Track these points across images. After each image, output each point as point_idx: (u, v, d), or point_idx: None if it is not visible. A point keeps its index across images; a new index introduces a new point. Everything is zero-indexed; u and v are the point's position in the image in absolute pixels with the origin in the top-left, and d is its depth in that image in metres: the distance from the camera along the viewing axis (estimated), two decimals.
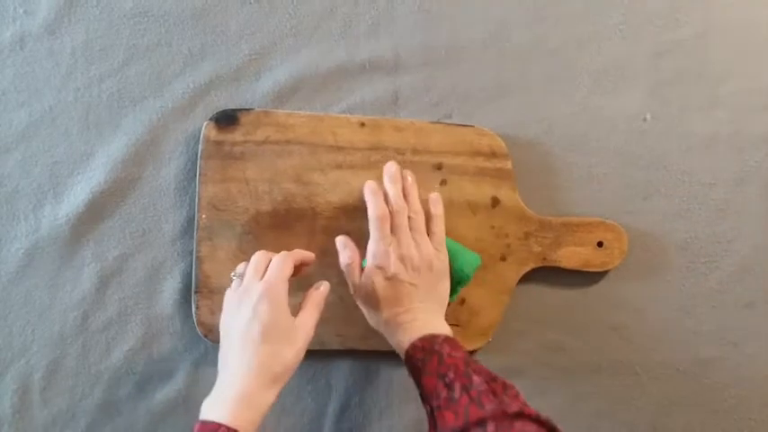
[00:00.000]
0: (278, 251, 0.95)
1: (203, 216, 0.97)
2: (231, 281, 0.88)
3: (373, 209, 0.91)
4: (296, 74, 1.02)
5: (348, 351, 1.01)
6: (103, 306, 0.99)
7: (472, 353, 1.04)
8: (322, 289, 0.89)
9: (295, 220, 0.98)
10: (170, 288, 1.00)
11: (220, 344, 0.85)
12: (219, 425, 0.75)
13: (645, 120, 1.09)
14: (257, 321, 0.81)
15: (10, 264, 0.97)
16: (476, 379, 0.78)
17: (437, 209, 0.95)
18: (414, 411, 1.04)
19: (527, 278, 1.04)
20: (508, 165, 1.02)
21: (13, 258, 0.97)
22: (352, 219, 0.99)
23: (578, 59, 1.09)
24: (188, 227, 0.99)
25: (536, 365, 1.07)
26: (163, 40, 1.00)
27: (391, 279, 0.89)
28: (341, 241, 0.94)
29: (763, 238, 1.12)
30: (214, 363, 0.98)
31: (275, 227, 0.98)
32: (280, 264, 0.85)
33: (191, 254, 0.98)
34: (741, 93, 1.12)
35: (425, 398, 0.82)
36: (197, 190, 0.97)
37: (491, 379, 0.79)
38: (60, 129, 0.98)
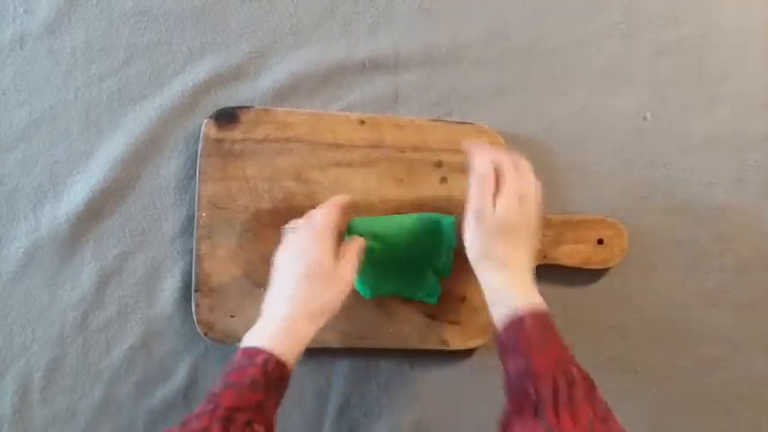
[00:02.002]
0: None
1: (203, 214, 0.97)
2: (284, 232, 0.90)
3: (478, 165, 0.86)
4: (296, 72, 1.02)
5: (348, 350, 1.01)
6: (103, 305, 0.99)
7: (472, 351, 1.04)
8: (359, 241, 0.90)
9: (295, 217, 0.97)
10: (170, 287, 1.00)
11: (270, 281, 0.86)
12: (260, 350, 0.77)
13: (645, 119, 1.10)
14: (303, 260, 0.84)
15: (10, 263, 0.97)
16: (598, 392, 0.75)
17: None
18: (414, 410, 1.04)
19: None
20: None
21: (12, 258, 0.97)
22: (352, 216, 0.99)
23: (578, 59, 1.09)
24: (188, 225, 0.99)
25: None
26: (163, 39, 1.00)
27: (526, 215, 0.84)
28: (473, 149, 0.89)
29: (763, 238, 1.12)
30: (214, 361, 1.00)
31: (275, 225, 0.98)
32: (325, 211, 0.88)
33: (190, 252, 0.98)
34: (741, 92, 1.12)
35: (530, 376, 0.75)
36: (197, 188, 0.97)
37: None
38: (60, 128, 0.98)
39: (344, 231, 0.94)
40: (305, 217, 0.89)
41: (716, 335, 1.11)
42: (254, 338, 0.80)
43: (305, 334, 0.81)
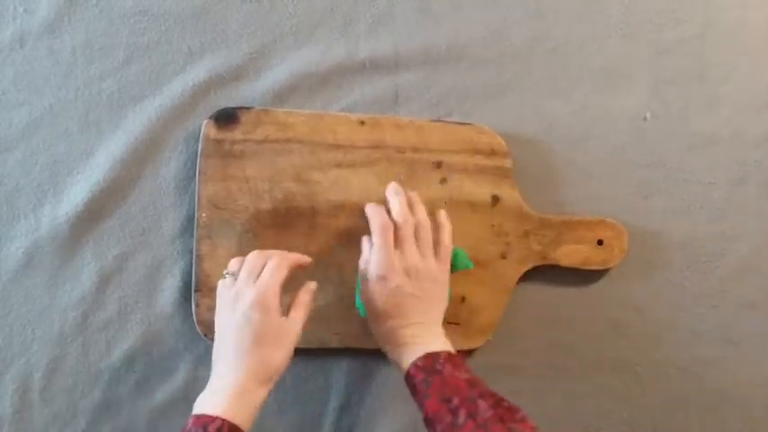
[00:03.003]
0: (278, 250, 0.95)
1: (203, 215, 0.97)
2: (224, 277, 0.88)
3: (377, 219, 0.90)
4: (296, 72, 1.02)
5: (347, 350, 1.01)
6: (103, 305, 0.99)
7: (472, 351, 1.04)
8: (311, 287, 0.89)
9: (295, 218, 0.98)
10: (170, 287, 1.00)
11: (215, 339, 0.86)
12: (215, 417, 0.77)
13: (645, 119, 1.09)
14: (249, 328, 0.82)
15: (10, 263, 0.97)
16: (481, 404, 0.78)
17: (445, 221, 0.94)
18: (414, 410, 1.04)
19: (527, 276, 1.04)
20: (508, 163, 1.02)
21: (12, 258, 0.97)
22: (352, 217, 0.99)
23: (578, 59, 1.09)
24: (188, 225, 0.99)
25: (536, 364, 1.07)
26: (163, 39, 1.00)
27: (394, 290, 0.88)
28: (365, 241, 0.93)
29: (763, 238, 1.12)
30: None
31: (275, 225, 0.98)
32: (273, 270, 0.85)
33: (190, 252, 0.98)
34: (741, 92, 1.12)
35: (429, 422, 0.82)
36: (197, 188, 0.97)
37: (497, 403, 0.78)
38: (60, 128, 0.98)
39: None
40: (245, 268, 0.86)
41: (716, 335, 1.11)
42: (206, 405, 0.79)
43: (257, 397, 0.81)
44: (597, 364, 1.08)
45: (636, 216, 1.08)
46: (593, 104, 1.09)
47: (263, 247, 0.95)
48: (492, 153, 1.02)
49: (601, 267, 1.05)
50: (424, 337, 0.88)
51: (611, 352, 1.08)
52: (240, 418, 0.78)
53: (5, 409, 0.97)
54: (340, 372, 1.03)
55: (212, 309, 0.95)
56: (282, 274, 0.85)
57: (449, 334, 1.01)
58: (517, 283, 1.03)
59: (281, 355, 0.83)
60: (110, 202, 0.98)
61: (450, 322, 1.01)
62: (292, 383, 1.01)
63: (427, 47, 1.05)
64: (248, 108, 0.98)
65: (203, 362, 1.00)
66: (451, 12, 1.06)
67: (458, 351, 1.03)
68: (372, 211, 0.91)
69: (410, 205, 0.93)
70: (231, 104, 1.00)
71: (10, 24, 0.98)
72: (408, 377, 0.85)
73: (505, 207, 1.02)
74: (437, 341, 0.88)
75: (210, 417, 0.77)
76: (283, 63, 1.02)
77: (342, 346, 1.00)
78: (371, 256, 0.89)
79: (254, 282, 0.84)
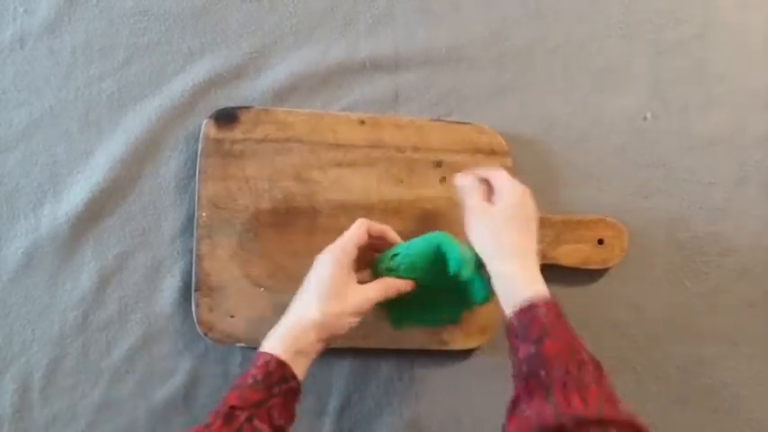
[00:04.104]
0: (278, 250, 0.96)
1: (203, 214, 0.97)
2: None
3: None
4: (296, 72, 1.02)
5: (349, 349, 1.01)
6: (103, 305, 0.99)
7: (472, 351, 1.04)
8: (401, 282, 0.88)
9: (295, 217, 0.98)
10: (170, 286, 1.00)
11: None
12: (264, 353, 0.80)
13: (645, 119, 1.10)
14: (314, 272, 0.85)
15: (10, 263, 0.97)
16: (604, 372, 0.76)
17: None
18: (414, 410, 1.04)
19: None
20: (508, 162, 1.02)
21: (12, 257, 0.97)
22: (353, 216, 0.98)
23: (578, 59, 1.09)
24: (188, 225, 0.99)
25: None
26: (163, 39, 1.00)
27: (524, 201, 0.87)
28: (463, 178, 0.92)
29: (763, 238, 1.12)
30: (214, 361, 1.00)
31: (275, 225, 0.98)
32: (352, 230, 0.87)
33: (190, 252, 0.98)
34: (741, 92, 1.12)
35: (541, 361, 0.76)
36: (197, 188, 0.97)
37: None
38: (60, 128, 0.98)
39: (378, 260, 0.91)
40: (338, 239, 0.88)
41: (716, 335, 1.11)
42: (264, 343, 0.82)
43: (300, 341, 0.82)
44: None
45: (636, 216, 1.08)
46: (593, 104, 1.09)
47: (263, 246, 0.96)
48: (492, 153, 1.02)
49: (601, 267, 1.05)
50: (538, 273, 0.85)
51: (611, 351, 1.08)
52: (289, 353, 0.80)
53: (5, 409, 0.97)
54: (340, 372, 1.03)
55: (212, 309, 0.96)
56: (360, 234, 0.87)
57: (449, 334, 1.02)
58: None
59: (338, 310, 0.83)
60: (110, 202, 0.98)
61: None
62: None
63: (427, 47, 1.05)
64: (248, 107, 0.98)
65: (203, 362, 1.00)
66: (451, 12, 1.06)
67: (458, 351, 1.04)
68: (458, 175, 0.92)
69: None
70: (231, 104, 1.00)
71: (10, 24, 0.98)
72: (531, 306, 0.80)
73: None
74: (541, 282, 0.85)
75: (262, 352, 0.80)
76: (283, 63, 1.02)
77: (343, 345, 1.00)
78: (502, 180, 0.88)
79: None
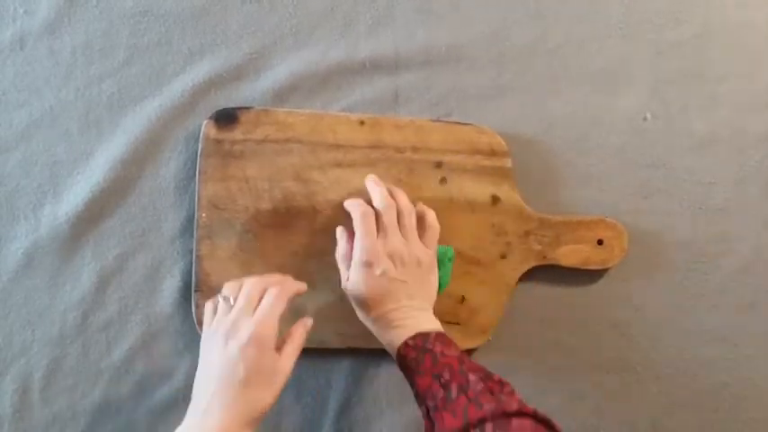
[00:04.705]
0: (278, 250, 0.95)
1: (203, 215, 0.97)
2: (217, 302, 0.85)
3: (357, 208, 0.91)
4: (296, 72, 1.02)
5: (348, 349, 1.01)
6: (103, 305, 0.99)
7: (472, 351, 1.04)
8: (307, 324, 0.87)
9: (295, 218, 0.98)
10: (170, 287, 1.00)
11: (198, 369, 0.82)
12: None
13: (645, 119, 1.09)
14: (243, 366, 0.77)
15: (10, 263, 0.97)
16: (472, 378, 0.79)
17: (427, 208, 0.96)
18: (414, 409, 1.03)
19: (527, 276, 1.04)
20: (508, 163, 1.02)
21: (12, 258, 0.97)
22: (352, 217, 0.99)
23: (578, 59, 1.09)
24: (188, 226, 0.99)
25: (536, 364, 1.07)
26: (163, 40, 1.00)
27: (380, 277, 0.88)
28: (339, 231, 0.95)
29: (764, 238, 1.12)
30: None
31: (275, 225, 0.98)
32: (272, 301, 0.81)
33: (190, 252, 0.98)
34: (741, 92, 1.12)
35: (421, 398, 0.83)
36: (197, 189, 0.97)
37: (486, 377, 0.80)
38: (60, 128, 0.98)
39: None
40: (242, 297, 0.83)
41: (716, 335, 1.11)
42: None
43: None
44: (597, 364, 1.08)
45: (636, 216, 1.08)
46: (593, 104, 1.09)
47: (263, 247, 0.96)
48: (492, 153, 1.02)
49: (601, 267, 1.05)
50: (414, 318, 0.88)
51: (611, 352, 1.08)
52: None
53: (5, 409, 0.97)
54: (340, 372, 1.03)
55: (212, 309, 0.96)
56: (282, 306, 0.82)
57: (448, 334, 1.01)
58: (517, 282, 1.03)
59: (269, 396, 0.79)
60: (110, 203, 0.98)
61: (451, 322, 1.01)
62: (292, 383, 1.00)
63: (427, 47, 1.05)
64: (248, 108, 0.98)
65: None
66: (451, 12, 1.06)
67: None
68: (351, 203, 0.93)
69: (391, 194, 0.94)
70: (231, 104, 1.00)
71: (10, 25, 0.98)
72: (399, 357, 0.86)
73: (505, 207, 1.02)
74: (426, 321, 0.89)
75: None
76: (283, 63, 1.02)
77: (342, 346, 1.00)
78: (356, 243, 0.90)
79: (252, 313, 0.81)
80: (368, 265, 0.88)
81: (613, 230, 1.05)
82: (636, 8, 1.10)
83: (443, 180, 1.01)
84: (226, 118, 0.97)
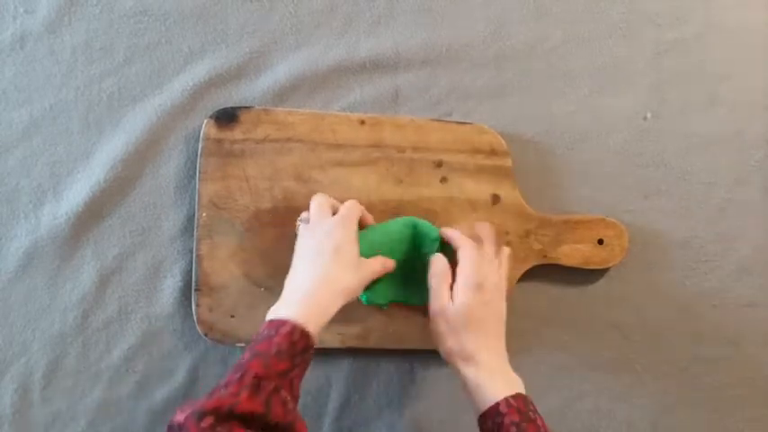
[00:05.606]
0: (278, 249, 0.95)
1: (203, 214, 0.97)
2: (298, 226, 0.93)
3: (460, 234, 0.93)
4: (296, 72, 1.02)
5: (348, 349, 1.01)
6: (103, 305, 0.99)
7: None
8: (390, 261, 0.92)
9: (295, 217, 0.98)
10: (170, 286, 1.00)
11: (291, 266, 0.87)
12: (286, 321, 0.78)
13: (645, 119, 1.10)
14: (331, 240, 0.85)
15: (10, 263, 0.97)
16: None
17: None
18: (414, 411, 1.04)
19: (527, 275, 1.04)
20: (508, 162, 1.02)
21: (12, 257, 0.97)
22: None
23: (578, 58, 1.09)
24: (188, 225, 0.99)
25: (536, 363, 1.07)
26: (163, 39, 1.00)
27: (486, 303, 0.88)
28: (435, 256, 0.93)
29: (763, 238, 1.12)
30: (214, 361, 1.00)
31: (275, 224, 0.98)
32: (351, 204, 0.90)
33: (191, 252, 0.98)
34: (741, 92, 1.12)
35: None
36: (197, 188, 0.97)
37: None
38: (61, 127, 0.98)
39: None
40: (315, 206, 0.91)
41: (716, 335, 1.11)
42: (280, 311, 0.80)
43: (327, 309, 0.82)
44: (597, 363, 1.08)
45: (636, 216, 1.08)
46: (593, 104, 1.09)
47: (263, 246, 0.96)
48: (492, 152, 1.02)
49: (601, 267, 1.05)
50: (502, 366, 0.88)
51: (611, 351, 1.08)
52: (311, 324, 0.79)
53: (5, 409, 0.97)
54: (340, 372, 1.03)
55: (212, 309, 0.96)
56: (358, 210, 0.90)
57: None
58: (517, 281, 1.03)
59: (354, 279, 0.85)
60: (110, 202, 0.98)
61: None
62: None
63: (427, 47, 1.05)
64: (248, 107, 0.98)
65: (203, 362, 1.00)
66: (451, 12, 1.06)
67: None
68: (451, 231, 0.94)
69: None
70: (231, 104, 1.00)
71: (10, 24, 0.98)
72: (494, 412, 0.83)
73: (506, 206, 1.02)
74: (515, 379, 0.88)
75: (284, 321, 0.78)
76: (283, 63, 1.02)
77: (342, 346, 1.00)
78: (467, 263, 0.89)
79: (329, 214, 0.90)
80: (480, 287, 0.88)
81: (614, 230, 1.05)
82: (636, 8, 1.10)
83: (444, 179, 1.01)
84: (226, 117, 0.97)
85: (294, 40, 1.03)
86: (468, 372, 0.87)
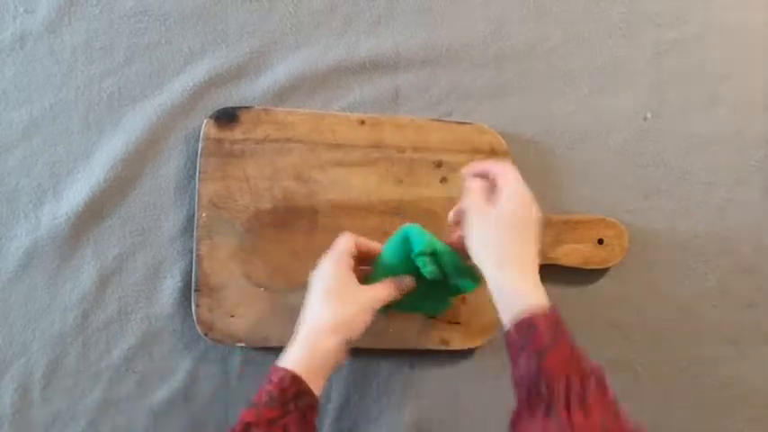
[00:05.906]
0: (278, 250, 0.96)
1: (203, 214, 0.97)
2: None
3: (494, 163, 0.87)
4: (296, 72, 1.02)
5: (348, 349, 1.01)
6: (103, 305, 0.99)
7: (472, 351, 1.04)
8: (405, 281, 0.89)
9: (295, 217, 0.98)
10: (170, 286, 1.00)
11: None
12: (279, 368, 0.80)
13: (645, 119, 1.10)
14: (320, 280, 0.86)
15: (10, 263, 0.97)
16: (610, 391, 0.75)
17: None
18: (414, 411, 1.04)
19: None
20: (508, 162, 1.02)
21: (12, 257, 0.97)
22: (352, 216, 0.99)
23: (578, 58, 1.09)
24: (188, 225, 0.99)
25: None
26: (163, 39, 1.00)
27: (526, 203, 0.83)
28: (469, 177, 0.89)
29: (764, 238, 1.12)
30: (214, 361, 1.00)
31: (275, 225, 0.98)
32: (342, 238, 0.89)
33: (190, 252, 0.98)
34: (741, 92, 1.12)
35: (542, 376, 0.74)
36: (197, 188, 0.97)
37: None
38: (61, 127, 0.98)
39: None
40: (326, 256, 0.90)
41: (716, 335, 1.11)
42: (280, 359, 0.82)
43: (319, 351, 0.82)
44: None
45: (636, 216, 1.08)
46: (593, 104, 1.09)
47: (263, 246, 0.96)
48: (492, 152, 1.02)
49: (601, 267, 1.05)
50: (529, 284, 0.82)
51: (611, 351, 1.08)
52: (304, 368, 0.80)
53: (5, 409, 0.97)
54: (340, 372, 1.03)
55: (212, 309, 0.96)
56: (351, 242, 0.89)
57: (449, 333, 1.02)
58: None
59: (350, 309, 0.84)
60: (110, 202, 0.99)
61: (451, 322, 1.01)
62: None
63: (427, 47, 1.05)
64: (248, 107, 0.98)
65: (203, 362, 1.00)
66: (451, 12, 1.06)
67: (457, 351, 1.03)
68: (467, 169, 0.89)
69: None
70: (231, 104, 1.00)
71: (10, 24, 0.98)
72: (528, 322, 0.77)
73: None
74: (541, 291, 0.83)
75: (277, 368, 0.80)
76: (283, 63, 1.02)
77: None
78: (508, 174, 0.83)
79: None
80: (533, 203, 0.83)
81: (614, 230, 1.05)
82: (636, 8, 1.10)
83: (444, 179, 1.01)
84: (226, 117, 0.97)
85: (294, 40, 1.03)
86: (501, 275, 0.82)
